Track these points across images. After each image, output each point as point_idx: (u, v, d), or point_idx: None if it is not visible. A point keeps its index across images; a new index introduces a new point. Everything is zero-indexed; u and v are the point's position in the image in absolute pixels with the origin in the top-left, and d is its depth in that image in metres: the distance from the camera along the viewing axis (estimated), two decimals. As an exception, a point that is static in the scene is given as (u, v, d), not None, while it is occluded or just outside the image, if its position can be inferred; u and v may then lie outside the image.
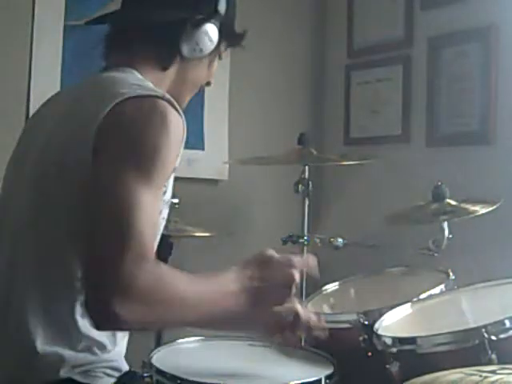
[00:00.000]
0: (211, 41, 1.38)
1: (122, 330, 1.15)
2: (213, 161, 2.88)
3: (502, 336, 1.50)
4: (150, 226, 1.12)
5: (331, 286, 2.29)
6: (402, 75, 2.82)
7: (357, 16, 3.03)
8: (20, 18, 2.49)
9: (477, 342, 1.51)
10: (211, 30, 1.38)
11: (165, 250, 2.43)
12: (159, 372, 1.72)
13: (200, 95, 2.87)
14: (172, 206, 2.45)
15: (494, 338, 1.49)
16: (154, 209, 1.15)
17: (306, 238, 2.47)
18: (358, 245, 2.39)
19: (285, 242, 2.47)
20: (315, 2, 3.19)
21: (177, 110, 1.21)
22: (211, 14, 1.38)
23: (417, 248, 2.13)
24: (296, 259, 1.34)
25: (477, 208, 2.02)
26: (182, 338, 2.00)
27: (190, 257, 2.70)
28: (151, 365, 1.75)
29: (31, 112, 2.36)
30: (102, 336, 1.27)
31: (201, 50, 1.38)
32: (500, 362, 1.45)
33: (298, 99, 3.14)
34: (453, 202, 2.08)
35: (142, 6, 1.37)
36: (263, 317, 1.30)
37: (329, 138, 3.12)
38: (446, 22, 2.65)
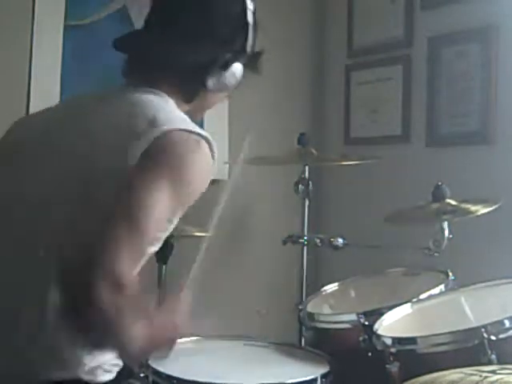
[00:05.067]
0: (236, 78, 1.41)
1: (93, 313, 1.12)
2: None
3: (501, 336, 1.51)
4: (153, 238, 1.20)
5: (331, 287, 2.29)
6: (402, 75, 2.82)
7: (357, 16, 3.03)
8: (20, 18, 2.49)
9: (476, 341, 1.51)
10: (238, 69, 1.40)
11: (165, 250, 2.43)
12: (155, 372, 1.72)
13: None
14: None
15: (493, 337, 1.49)
16: (167, 220, 1.22)
17: (305, 237, 2.47)
18: (358, 245, 2.39)
19: (285, 242, 2.47)
20: (315, 2, 3.19)
21: (211, 148, 1.28)
22: (240, 53, 1.41)
23: (417, 248, 2.13)
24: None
25: (477, 208, 2.02)
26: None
27: (190, 257, 2.70)
28: (147, 365, 1.75)
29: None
30: None
31: (226, 87, 1.41)
32: (500, 362, 1.45)
33: (298, 99, 3.14)
34: (453, 202, 2.08)
35: (169, 36, 1.37)
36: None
37: (329, 138, 3.12)
38: (446, 22, 2.65)
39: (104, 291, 1.08)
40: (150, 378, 1.72)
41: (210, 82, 1.38)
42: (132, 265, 1.14)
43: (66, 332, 1.22)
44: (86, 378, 1.27)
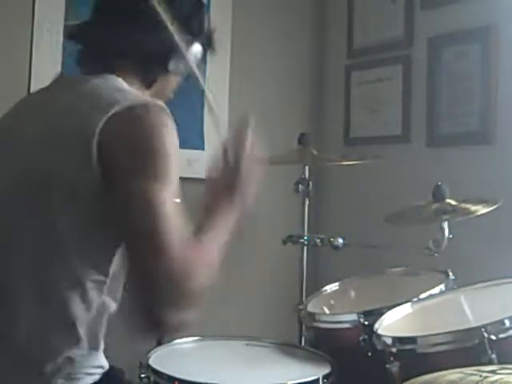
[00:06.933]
0: (197, 59, 1.40)
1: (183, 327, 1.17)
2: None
3: (501, 336, 1.51)
4: (177, 229, 1.17)
5: (331, 287, 2.29)
6: (401, 75, 2.82)
7: (357, 16, 3.03)
8: (20, 17, 2.49)
9: (476, 341, 1.51)
10: (197, 50, 1.40)
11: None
12: (156, 372, 1.72)
13: (200, 95, 2.87)
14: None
15: (493, 337, 1.49)
16: (175, 207, 1.21)
17: (305, 237, 2.47)
18: (358, 245, 2.39)
19: (285, 242, 2.47)
20: (315, 1, 3.19)
21: (167, 113, 1.25)
22: (198, 34, 1.40)
23: (417, 248, 2.13)
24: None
25: (477, 208, 2.02)
26: (180, 338, 2.00)
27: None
28: (148, 365, 1.75)
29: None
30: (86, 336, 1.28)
31: (186, 68, 1.39)
32: (500, 362, 1.45)
33: (298, 99, 3.14)
34: (453, 202, 2.08)
35: (126, 23, 1.34)
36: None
37: (329, 138, 3.12)
38: (446, 21, 2.65)
39: (169, 315, 1.11)
40: (151, 379, 1.72)
41: (172, 65, 1.37)
42: (176, 236, 1.14)
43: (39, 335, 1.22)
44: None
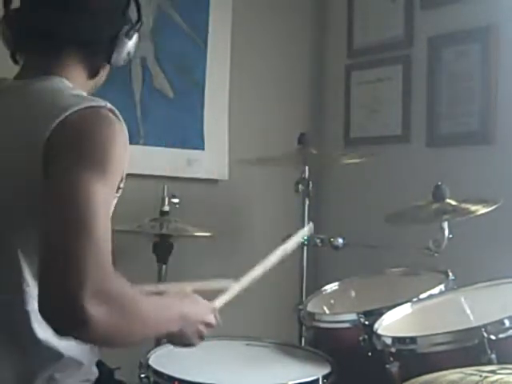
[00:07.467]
0: (133, 49, 1.39)
1: (89, 335, 1.03)
2: (213, 161, 2.88)
3: (501, 336, 1.51)
4: (107, 228, 1.11)
5: (331, 286, 2.29)
6: (401, 75, 2.82)
7: (357, 16, 3.03)
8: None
9: (476, 341, 1.51)
10: (136, 39, 1.39)
11: (165, 250, 2.43)
12: (156, 373, 1.72)
13: (200, 95, 2.87)
14: (172, 205, 2.46)
15: (493, 337, 1.50)
16: (110, 204, 1.17)
17: (306, 237, 2.47)
18: (358, 245, 2.39)
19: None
20: (315, 2, 3.19)
21: (117, 116, 1.24)
22: (137, 23, 1.38)
23: (417, 248, 2.13)
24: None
25: (477, 208, 2.02)
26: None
27: (189, 257, 2.71)
28: (148, 365, 1.75)
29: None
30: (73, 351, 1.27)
31: (125, 58, 1.38)
32: (500, 362, 1.45)
33: (298, 99, 3.14)
34: (453, 202, 2.08)
35: (72, 11, 1.30)
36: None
37: (329, 138, 3.12)
38: (446, 21, 2.65)
39: (93, 308, 0.99)
40: (151, 379, 1.72)
41: (115, 57, 1.36)
42: (104, 262, 1.06)
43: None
44: None
